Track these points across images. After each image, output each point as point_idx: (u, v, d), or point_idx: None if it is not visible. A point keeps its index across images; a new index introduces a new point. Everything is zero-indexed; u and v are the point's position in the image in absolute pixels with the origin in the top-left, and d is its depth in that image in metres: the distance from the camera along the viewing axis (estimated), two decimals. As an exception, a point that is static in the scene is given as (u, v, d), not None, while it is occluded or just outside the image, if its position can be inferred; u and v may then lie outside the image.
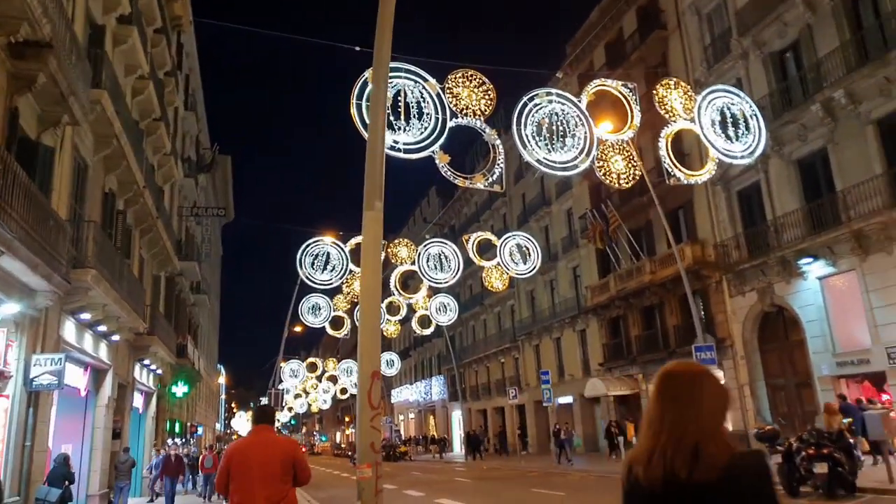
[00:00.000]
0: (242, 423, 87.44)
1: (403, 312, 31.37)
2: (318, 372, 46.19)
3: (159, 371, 21.60)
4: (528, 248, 21.35)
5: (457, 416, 50.18)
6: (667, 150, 11.79)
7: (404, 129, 9.94)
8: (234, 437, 72.65)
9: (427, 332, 32.37)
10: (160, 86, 20.44)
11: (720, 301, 20.93)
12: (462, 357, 45.23)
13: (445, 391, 51.25)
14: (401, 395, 64.65)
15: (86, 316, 12.05)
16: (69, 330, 11.73)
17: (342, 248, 20.44)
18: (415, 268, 21.33)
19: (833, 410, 16.45)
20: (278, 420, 79.95)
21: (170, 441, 24.53)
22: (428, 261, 21.35)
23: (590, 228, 26.41)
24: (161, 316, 20.88)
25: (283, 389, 27.80)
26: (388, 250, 21.30)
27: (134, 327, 15.53)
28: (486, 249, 22.86)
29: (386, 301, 30.33)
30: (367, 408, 3.89)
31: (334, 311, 29.67)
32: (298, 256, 19.86)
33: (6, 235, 7.56)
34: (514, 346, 37.99)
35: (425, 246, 21.40)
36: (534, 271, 21.55)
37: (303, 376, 43.64)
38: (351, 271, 20.73)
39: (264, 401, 71.25)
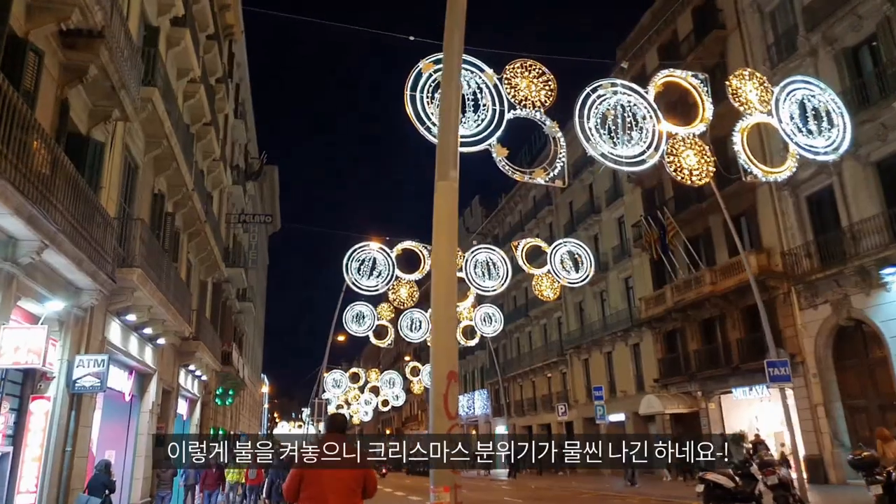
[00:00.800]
0: (285, 433, 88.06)
1: (447, 323, 30.58)
2: (361, 382, 45.86)
3: (204, 377, 21.48)
4: (580, 256, 20.48)
5: (500, 431, 49.06)
6: (742, 144, 10.84)
7: (460, 121, 9.35)
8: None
9: (472, 343, 31.64)
10: (211, 92, 20.51)
11: (788, 314, 19.50)
12: (506, 370, 44.17)
13: (489, 406, 50.21)
14: (442, 408, 63.71)
15: (131, 317, 11.81)
16: (114, 331, 11.50)
17: (388, 254, 19.97)
18: (461, 275, 20.67)
19: (887, 437, 14.35)
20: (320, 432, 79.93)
21: (214, 448, 24.40)
22: (475, 268, 20.71)
23: (644, 237, 25.27)
24: (207, 322, 20.78)
25: (325, 400, 27.45)
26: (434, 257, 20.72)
27: (180, 331, 15.32)
28: (534, 258, 22.04)
29: (430, 311, 29.82)
30: (442, 416, 3.24)
31: (378, 319, 29.28)
32: (344, 262, 19.49)
33: (50, 228, 7.25)
34: (561, 359, 36.79)
35: (472, 252, 20.76)
36: (587, 280, 20.60)
37: (345, 387, 43.39)
38: (397, 277, 20.23)
39: (307, 412, 71.48)
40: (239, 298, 32.66)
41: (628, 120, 10.03)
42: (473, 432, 56.08)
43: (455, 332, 3.55)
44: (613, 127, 9.90)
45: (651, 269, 27.41)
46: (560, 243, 20.77)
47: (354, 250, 19.68)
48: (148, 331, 13.16)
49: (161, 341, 14.32)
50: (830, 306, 17.68)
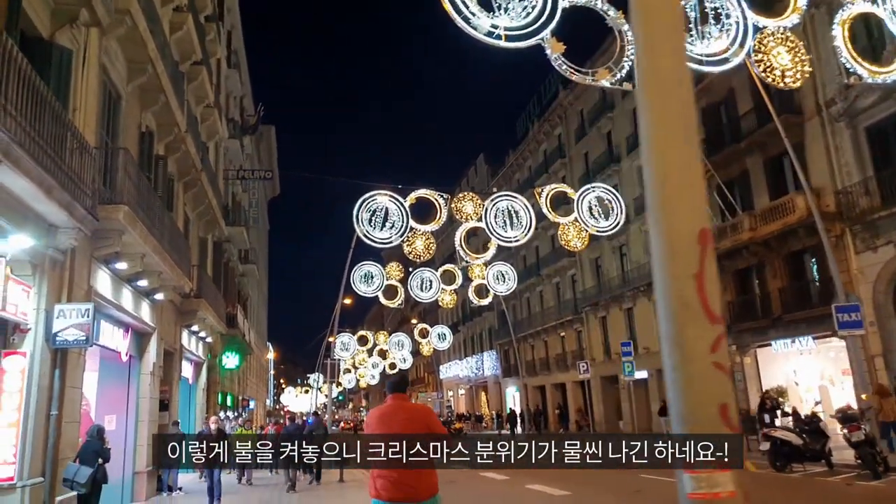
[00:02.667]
0: (291, 398, 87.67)
1: (459, 281, 29.40)
2: (369, 345, 44.73)
3: (209, 339, 20.11)
4: (610, 202, 18.88)
5: (510, 392, 48.25)
6: (844, 39, 9.11)
7: (504, 9, 7.64)
8: (283, 412, 72.64)
9: (485, 301, 30.41)
10: (201, 28, 18.61)
11: (842, 259, 17.92)
12: (517, 331, 42.98)
13: (498, 366, 49.29)
14: (450, 370, 63.12)
15: (121, 266, 10.25)
16: (103, 281, 9.96)
17: (402, 203, 18.31)
18: (481, 224, 19.08)
19: (886, 392, 13.62)
20: (326, 396, 79.64)
21: (222, 414, 23.19)
22: (496, 216, 19.11)
23: (673, 183, 23.54)
24: (209, 280, 19.29)
25: (337, 359, 26.23)
26: (453, 205, 19.09)
27: (179, 286, 13.80)
28: (557, 206, 20.42)
29: (441, 269, 28.41)
30: (699, 318, 1.63)
31: (387, 279, 27.77)
32: (355, 211, 17.81)
33: (1, 136, 5.61)
34: (576, 318, 35.48)
35: (493, 200, 19.10)
36: (617, 227, 19.03)
37: (353, 349, 42.22)
38: (412, 228, 18.61)
39: (313, 377, 70.69)
40: (241, 260, 31.17)
41: (707, 10, 8.29)
42: (483, 394, 55.35)
43: (700, 168, 1.90)
44: (690, 17, 8.17)
45: (678, 219, 25.78)
46: (588, 188, 19.08)
47: (365, 199, 17.99)
48: (143, 283, 11.64)
49: (159, 297, 12.82)
50: (894, 248, 16.13)
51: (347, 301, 42.66)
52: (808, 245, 18.99)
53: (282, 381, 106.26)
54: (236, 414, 24.68)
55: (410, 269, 28.54)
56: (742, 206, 21.72)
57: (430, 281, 28.51)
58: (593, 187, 19.41)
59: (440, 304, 30.38)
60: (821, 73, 18.43)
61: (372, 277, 26.80)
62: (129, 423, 12.38)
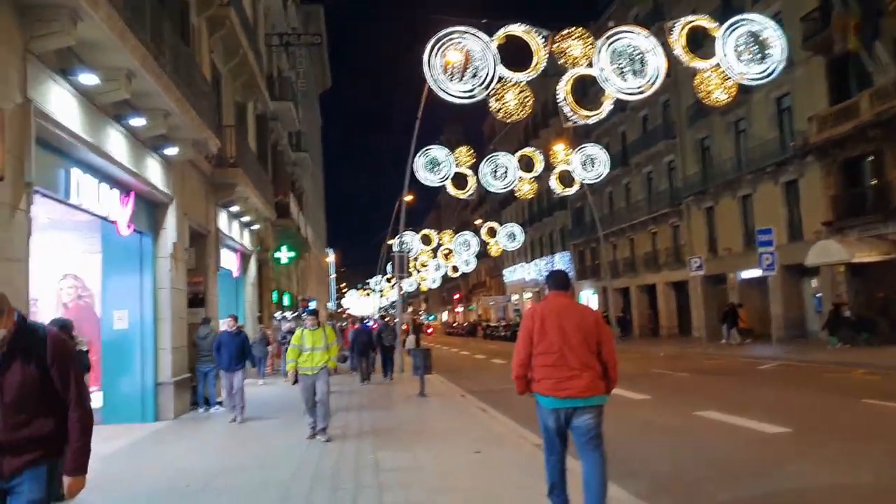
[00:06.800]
0: (354, 300, 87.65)
1: (540, 168, 25.18)
2: (433, 245, 41.61)
3: (256, 226, 17.02)
4: (766, 39, 13.90)
5: (586, 295, 44.81)
6: None
7: None
8: (345, 315, 72.25)
9: (570, 191, 26.09)
10: None
11: None
12: (595, 230, 38.69)
13: (572, 269, 45.57)
14: (515, 274, 60.13)
15: (88, 79, 6.62)
16: (61, 100, 6.39)
17: (487, 45, 13.90)
18: (592, 71, 14.54)
19: None
20: (389, 300, 78.44)
21: (278, 314, 20.67)
22: (612, 61, 14.49)
23: (834, 23, 17.99)
24: (251, 152, 15.87)
25: (408, 251, 23.02)
26: (555, 47, 14.51)
27: (201, 142, 10.24)
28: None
29: (518, 153, 24.23)
30: None
31: (456, 166, 23.73)
32: (426, 56, 13.54)
33: None
34: (674, 211, 30.78)
35: (609, 39, 14.39)
36: (775, 73, 14.09)
37: (417, 249, 39.21)
38: (500, 78, 14.28)
39: (375, 280, 69.26)
40: (293, 147, 27.81)
41: None
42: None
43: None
44: None
45: (827, 78, 20.24)
46: (738, 20, 14.05)
47: (441, 38, 13.62)
48: (139, 123, 8.10)
49: (171, 151, 9.35)
50: None
51: (409, 198, 39.23)
52: None
53: (343, 284, 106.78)
54: (294, 314, 22.15)
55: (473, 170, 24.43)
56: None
57: (506, 168, 24.42)
58: (744, 19, 14.33)
59: (516, 194, 26.38)
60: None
61: (438, 164, 22.85)
62: (144, 321, 9.35)
